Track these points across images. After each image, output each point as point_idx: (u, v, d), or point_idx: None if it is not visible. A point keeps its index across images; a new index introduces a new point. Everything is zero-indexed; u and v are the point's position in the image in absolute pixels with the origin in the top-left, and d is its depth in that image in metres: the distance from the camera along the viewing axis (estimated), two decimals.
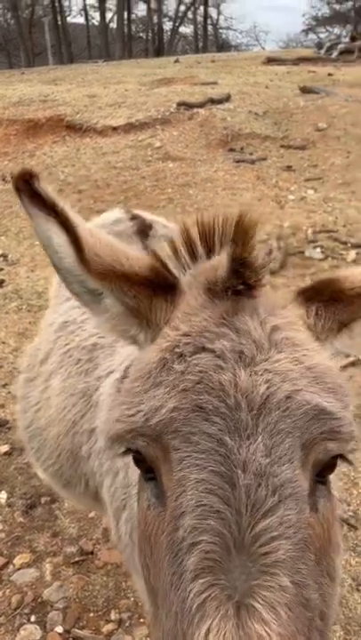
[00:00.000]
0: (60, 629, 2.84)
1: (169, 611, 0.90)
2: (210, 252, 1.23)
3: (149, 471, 1.03)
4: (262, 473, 0.90)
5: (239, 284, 1.08)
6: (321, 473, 1.02)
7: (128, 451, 1.08)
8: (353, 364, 4.96)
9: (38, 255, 7.99)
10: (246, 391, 0.97)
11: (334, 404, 1.02)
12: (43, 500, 3.65)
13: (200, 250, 1.24)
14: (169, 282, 1.17)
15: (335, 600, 1.06)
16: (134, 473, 1.44)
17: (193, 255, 1.25)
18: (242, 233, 1.04)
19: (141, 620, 2.88)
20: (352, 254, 7.25)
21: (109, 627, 2.85)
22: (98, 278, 1.15)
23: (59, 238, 1.12)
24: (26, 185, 1.08)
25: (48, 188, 1.10)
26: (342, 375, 1.13)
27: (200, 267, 1.21)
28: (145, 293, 1.16)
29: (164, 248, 1.27)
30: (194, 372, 1.00)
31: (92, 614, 2.93)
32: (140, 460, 1.05)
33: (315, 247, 7.50)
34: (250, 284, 1.09)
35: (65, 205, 1.11)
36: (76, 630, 2.83)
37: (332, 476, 1.06)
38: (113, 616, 2.91)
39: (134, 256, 1.19)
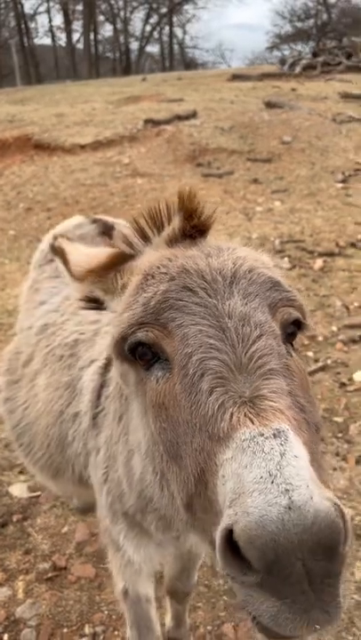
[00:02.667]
0: None
1: (193, 436, 1.09)
2: (162, 226, 1.50)
3: (153, 356, 1.26)
4: (244, 317, 1.16)
5: (192, 227, 1.40)
6: (289, 338, 1.28)
7: (131, 354, 1.29)
8: (322, 368, 5.05)
9: (8, 274, 7.97)
10: (218, 269, 1.26)
11: (285, 282, 1.34)
12: (14, 517, 3.61)
13: (153, 227, 1.52)
14: (125, 257, 1.51)
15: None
16: (116, 446, 1.75)
17: (147, 234, 1.53)
18: (186, 196, 1.36)
19: (116, 632, 2.87)
20: (319, 263, 7.39)
21: None
22: (79, 281, 1.55)
23: (61, 266, 1.62)
24: (52, 246, 1.69)
25: (63, 241, 1.70)
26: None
27: (160, 236, 1.50)
28: (102, 274, 1.53)
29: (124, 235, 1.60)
30: (175, 266, 1.29)
31: (65, 630, 2.90)
32: (143, 354, 1.27)
33: (283, 257, 7.62)
34: (201, 228, 1.41)
35: (65, 244, 1.65)
36: None
37: None
38: (87, 630, 2.89)
39: (98, 254, 1.60)
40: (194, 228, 1.40)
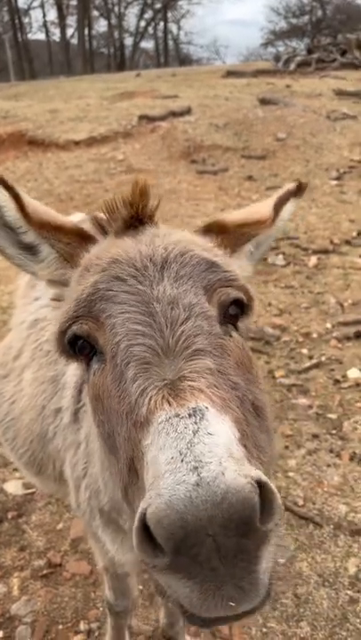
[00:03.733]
0: None
1: (122, 426, 1.08)
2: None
3: (91, 350, 1.25)
4: (173, 300, 1.15)
5: (131, 217, 1.39)
6: (231, 319, 1.28)
7: (72, 349, 1.29)
8: (316, 365, 5.07)
9: (2, 270, 7.94)
10: (149, 255, 1.25)
11: (223, 261, 1.32)
12: (9, 514, 3.61)
13: (110, 219, 1.48)
14: (87, 237, 1.49)
15: (269, 410, 1.28)
16: (95, 441, 1.69)
17: (104, 225, 1.51)
18: (136, 187, 1.35)
19: None
20: (313, 260, 7.41)
21: (78, 637, 2.83)
22: (37, 227, 1.44)
23: (3, 195, 1.39)
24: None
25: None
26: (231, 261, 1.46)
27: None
28: (76, 240, 1.48)
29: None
30: (107, 257, 1.29)
31: (60, 626, 2.91)
32: (82, 348, 1.26)
33: (277, 254, 7.64)
34: (141, 217, 1.39)
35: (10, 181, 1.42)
36: None
37: None
38: (82, 627, 2.90)
39: (65, 218, 1.55)
40: (133, 218, 1.39)
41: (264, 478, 0.87)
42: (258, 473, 0.87)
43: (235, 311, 1.28)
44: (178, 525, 0.81)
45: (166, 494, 0.83)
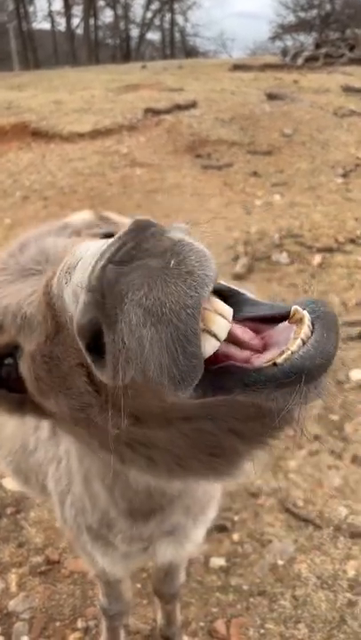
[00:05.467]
0: None
1: (57, 364, 1.02)
2: None
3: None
4: (40, 250, 1.22)
5: None
6: None
7: (7, 388, 1.14)
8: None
9: None
10: (6, 257, 1.26)
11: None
12: (8, 510, 3.61)
13: None
14: None
15: None
16: (75, 460, 1.72)
17: None
18: None
19: None
20: (318, 258, 7.36)
21: (76, 635, 2.84)
22: None
23: None
24: None
25: None
26: None
27: None
28: None
29: None
30: None
31: (58, 623, 2.91)
32: (9, 372, 1.11)
33: (281, 252, 7.59)
34: None
35: None
36: None
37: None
38: (79, 624, 2.90)
39: None
40: None
41: None
42: None
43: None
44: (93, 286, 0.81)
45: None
